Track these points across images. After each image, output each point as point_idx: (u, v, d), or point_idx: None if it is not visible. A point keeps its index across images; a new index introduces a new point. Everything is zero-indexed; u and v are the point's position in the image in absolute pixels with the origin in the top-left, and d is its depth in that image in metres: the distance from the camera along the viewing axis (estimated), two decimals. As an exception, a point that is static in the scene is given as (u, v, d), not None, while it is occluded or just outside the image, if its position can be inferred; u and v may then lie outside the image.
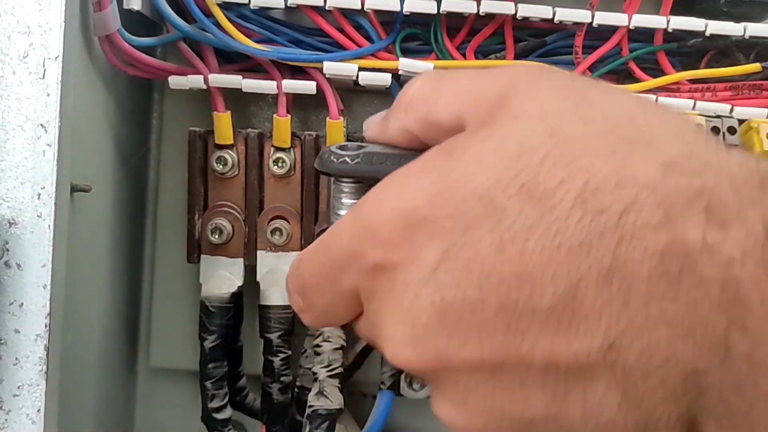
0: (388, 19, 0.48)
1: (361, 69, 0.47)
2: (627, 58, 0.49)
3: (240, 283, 0.50)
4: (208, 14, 0.46)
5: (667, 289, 0.19)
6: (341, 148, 0.28)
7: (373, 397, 0.54)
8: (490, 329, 0.21)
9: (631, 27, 0.48)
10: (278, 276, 0.50)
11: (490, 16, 0.48)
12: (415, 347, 0.22)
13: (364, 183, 0.28)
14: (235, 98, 0.50)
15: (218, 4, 0.46)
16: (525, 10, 0.47)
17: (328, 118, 0.49)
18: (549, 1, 0.47)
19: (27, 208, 0.36)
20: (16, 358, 0.36)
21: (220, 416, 0.51)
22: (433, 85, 0.26)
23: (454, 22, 0.48)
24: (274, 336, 0.50)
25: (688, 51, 0.50)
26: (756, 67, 0.49)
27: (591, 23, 0.47)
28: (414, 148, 0.27)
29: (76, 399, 0.45)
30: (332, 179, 0.29)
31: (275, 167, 0.50)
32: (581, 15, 0.47)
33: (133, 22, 0.45)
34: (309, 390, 0.49)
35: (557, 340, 0.20)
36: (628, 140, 0.21)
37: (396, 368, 0.51)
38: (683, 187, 0.20)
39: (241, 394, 0.54)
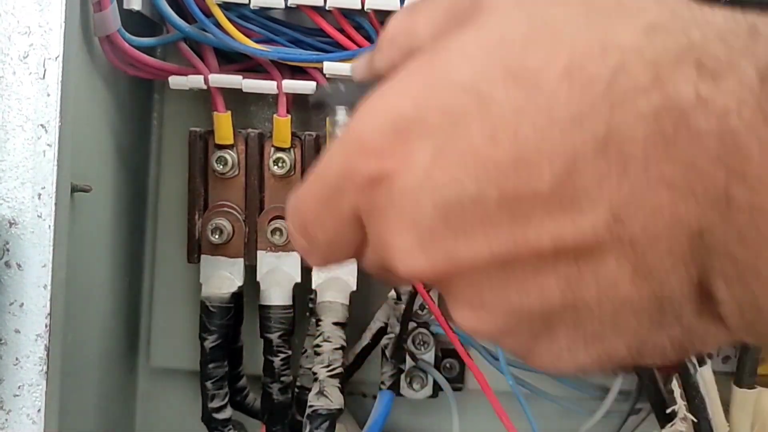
0: (388, 19, 0.48)
1: (361, 69, 0.47)
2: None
3: (240, 283, 0.50)
4: (208, 14, 0.46)
5: (664, 149, 0.19)
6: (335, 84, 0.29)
7: (373, 397, 0.54)
8: (494, 221, 0.20)
9: (631, 27, 0.48)
10: (278, 276, 0.50)
11: (490, 16, 0.48)
12: (424, 253, 0.22)
13: None
14: (235, 98, 0.50)
15: (218, 4, 0.46)
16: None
17: (328, 118, 0.49)
18: None
19: (27, 208, 0.36)
20: (17, 358, 0.36)
21: (220, 416, 0.51)
22: (408, 15, 0.26)
23: (454, 22, 0.48)
24: (274, 336, 0.50)
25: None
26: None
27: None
28: None
29: (76, 399, 0.45)
30: (330, 119, 0.29)
31: (275, 167, 0.50)
32: None
33: (133, 22, 0.46)
34: (309, 390, 0.49)
35: (562, 220, 0.20)
36: (608, 11, 0.20)
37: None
38: (670, 46, 0.19)
39: (242, 394, 0.54)
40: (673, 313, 0.20)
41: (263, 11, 0.48)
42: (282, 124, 0.49)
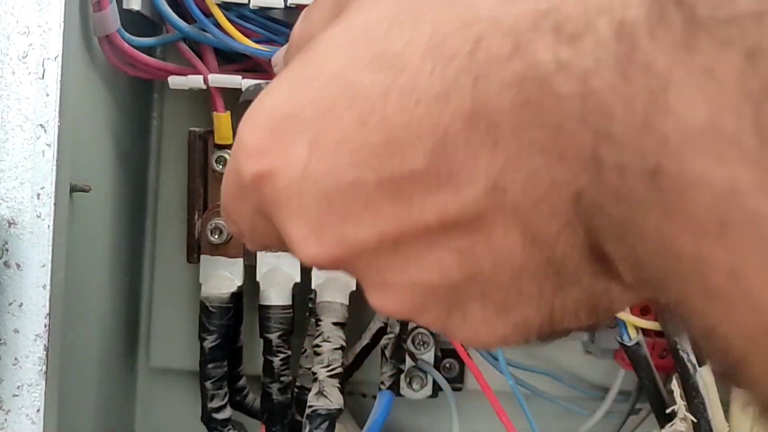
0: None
1: (360, 69, 0.47)
2: (627, 58, 0.49)
3: (240, 283, 0.50)
4: (208, 14, 0.46)
5: (531, 116, 0.19)
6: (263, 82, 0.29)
7: (373, 397, 0.54)
8: (376, 203, 0.21)
9: (631, 27, 0.48)
10: (278, 276, 0.50)
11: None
12: (317, 242, 0.22)
13: None
14: (235, 98, 0.50)
15: (218, 4, 0.46)
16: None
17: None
18: None
19: (26, 208, 0.36)
20: (16, 358, 0.36)
21: (220, 416, 0.51)
22: (306, 18, 0.26)
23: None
24: (273, 336, 0.50)
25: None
26: (756, 67, 0.49)
27: (591, 23, 0.47)
28: None
29: (75, 399, 0.45)
30: None
31: (275, 167, 0.50)
32: None
33: (133, 22, 0.45)
34: (309, 390, 0.49)
35: (443, 195, 0.20)
36: None
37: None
38: (528, 11, 0.19)
39: (241, 394, 0.54)
40: (570, 275, 0.21)
41: (263, 11, 0.48)
42: (282, 124, 0.49)
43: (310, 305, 0.51)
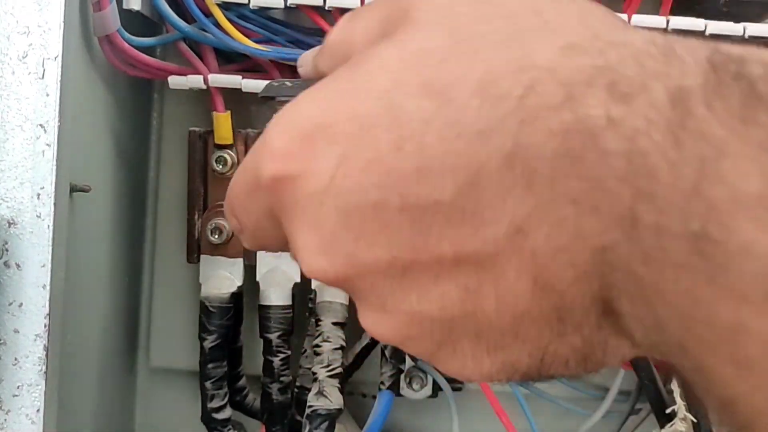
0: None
1: (360, 69, 0.47)
2: (627, 58, 0.49)
3: (240, 283, 0.50)
4: (208, 14, 0.46)
5: (570, 167, 0.19)
6: (286, 80, 0.30)
7: (373, 397, 0.54)
8: (395, 227, 0.21)
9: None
10: (278, 276, 0.50)
11: (489, 16, 0.47)
12: (325, 255, 0.22)
13: None
14: (235, 98, 0.50)
15: (218, 4, 0.46)
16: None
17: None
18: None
19: (26, 208, 0.36)
20: (16, 358, 0.36)
21: (220, 416, 0.51)
22: (347, 25, 0.26)
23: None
24: (273, 336, 0.50)
25: (688, 51, 0.50)
26: (756, 67, 0.49)
27: (591, 23, 0.47)
28: None
29: (75, 399, 0.45)
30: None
31: (275, 167, 0.50)
32: None
33: (133, 22, 0.45)
34: (309, 390, 0.49)
35: (463, 230, 0.20)
36: (530, 30, 0.20)
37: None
38: (585, 67, 0.19)
39: (241, 394, 0.54)
40: (573, 324, 0.20)
41: (263, 11, 0.48)
42: (282, 124, 0.49)
43: (310, 305, 0.51)
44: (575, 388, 0.56)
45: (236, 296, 0.51)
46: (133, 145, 0.53)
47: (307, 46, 0.48)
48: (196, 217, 0.50)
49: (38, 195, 0.36)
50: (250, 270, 0.51)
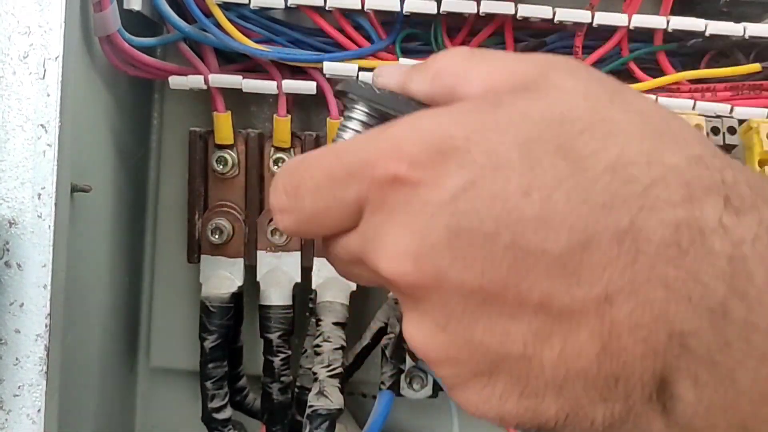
0: (388, 19, 0.48)
1: (361, 69, 0.47)
2: (627, 59, 0.49)
3: (240, 283, 0.50)
4: (208, 14, 0.46)
5: (674, 256, 0.21)
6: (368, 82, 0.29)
7: (373, 397, 0.54)
8: (496, 260, 0.22)
9: (631, 27, 0.48)
10: (278, 276, 0.50)
11: (490, 17, 0.48)
12: (416, 261, 0.23)
13: (377, 118, 0.28)
14: (235, 98, 0.50)
15: (218, 5, 0.46)
16: (525, 11, 0.47)
17: (328, 118, 0.49)
18: (549, 1, 0.47)
19: (27, 208, 0.36)
20: (17, 358, 0.36)
21: (220, 416, 0.51)
22: (465, 61, 0.26)
23: (454, 22, 0.48)
24: (274, 336, 0.50)
25: (688, 51, 0.50)
26: (756, 67, 0.49)
27: (591, 23, 0.48)
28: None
29: (76, 399, 0.45)
30: (347, 107, 0.29)
31: (275, 167, 0.50)
32: (581, 15, 0.47)
33: (133, 22, 0.46)
34: (309, 390, 0.49)
35: (558, 283, 0.21)
36: (661, 133, 0.22)
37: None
38: (706, 177, 0.21)
39: (241, 394, 0.54)
40: (624, 392, 0.22)
41: (263, 11, 0.48)
42: (282, 124, 0.49)
43: (310, 305, 0.51)
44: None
45: (236, 296, 0.51)
46: (134, 145, 0.53)
47: (307, 46, 0.48)
48: (197, 217, 0.50)
49: (39, 195, 0.36)
50: (250, 270, 0.51)
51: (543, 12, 0.47)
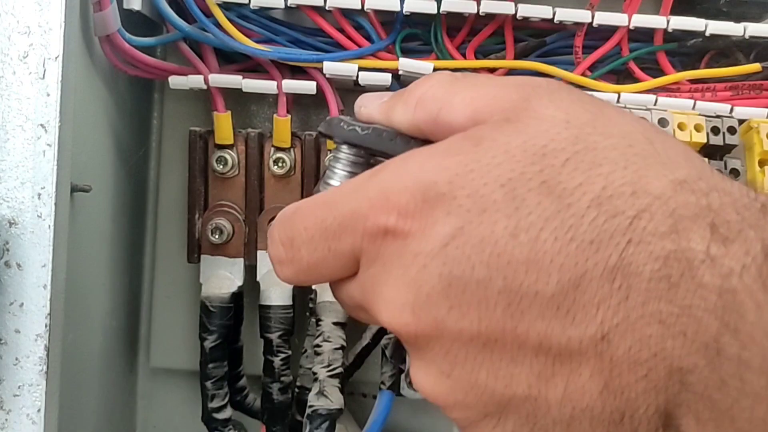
0: (388, 19, 0.48)
1: (361, 69, 0.47)
2: (627, 58, 0.49)
3: (240, 283, 0.50)
4: (208, 14, 0.46)
5: (665, 291, 0.20)
6: (350, 119, 0.29)
7: (373, 397, 0.54)
8: (491, 305, 0.22)
9: (631, 27, 0.48)
10: (278, 276, 0.50)
11: (490, 16, 0.48)
12: (414, 313, 0.23)
13: (363, 159, 0.28)
14: (235, 98, 0.50)
15: (218, 4, 0.46)
16: (525, 10, 0.47)
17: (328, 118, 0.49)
18: (549, 1, 0.47)
19: (27, 208, 0.36)
20: (17, 358, 0.36)
21: (220, 416, 0.51)
22: (448, 86, 0.26)
23: (454, 22, 0.48)
24: (274, 336, 0.50)
25: (688, 51, 0.50)
26: (756, 67, 0.49)
27: (591, 23, 0.48)
28: (417, 138, 0.27)
29: (76, 399, 0.45)
30: (332, 152, 0.29)
31: (275, 167, 0.50)
32: (581, 15, 0.47)
33: (133, 22, 0.45)
34: (309, 390, 0.49)
35: (554, 324, 0.21)
36: (645, 157, 0.22)
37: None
38: (692, 204, 0.21)
39: (242, 394, 0.54)
40: (630, 427, 0.22)
41: (263, 11, 0.48)
42: (282, 124, 0.49)
43: (310, 305, 0.51)
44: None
45: (237, 296, 0.51)
46: (134, 145, 0.53)
47: (307, 46, 0.48)
48: (197, 216, 0.50)
49: (39, 195, 0.36)
50: (250, 270, 0.51)
51: (543, 12, 0.47)
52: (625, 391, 0.21)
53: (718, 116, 0.48)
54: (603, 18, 0.47)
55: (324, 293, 0.50)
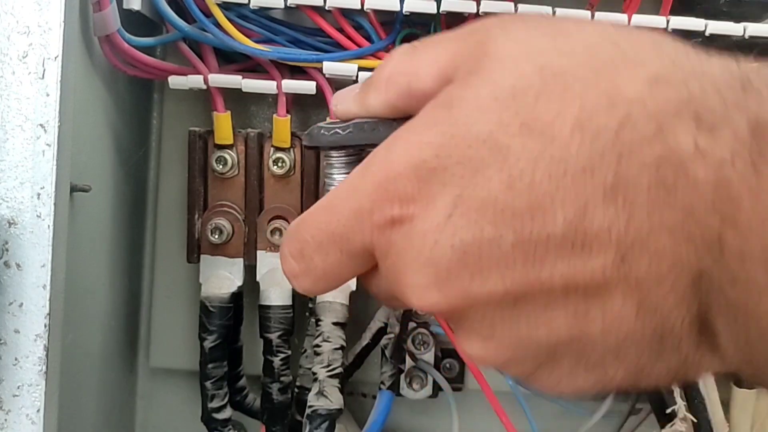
0: (388, 19, 0.48)
1: (361, 69, 0.47)
2: (627, 58, 0.49)
3: (240, 283, 0.50)
4: (208, 14, 0.46)
5: (665, 197, 0.20)
6: (328, 123, 0.29)
7: (373, 397, 0.54)
8: (509, 262, 0.22)
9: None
10: (278, 276, 0.50)
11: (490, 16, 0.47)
12: (440, 290, 0.23)
13: (355, 156, 0.28)
14: (235, 98, 0.50)
15: (218, 4, 0.46)
16: (525, 10, 0.47)
17: (328, 118, 0.49)
18: (549, 1, 0.47)
19: (27, 208, 0.36)
20: (16, 358, 0.36)
21: (220, 416, 0.51)
22: (410, 57, 0.26)
23: (453, 22, 0.48)
24: (274, 336, 0.50)
25: (688, 51, 0.50)
26: (756, 67, 0.49)
27: (591, 23, 0.48)
28: (398, 117, 0.27)
29: (76, 399, 0.45)
30: (323, 156, 0.30)
31: (275, 167, 0.50)
32: (581, 15, 0.47)
33: (133, 22, 0.45)
34: (309, 390, 0.49)
35: (573, 261, 0.21)
36: (613, 62, 0.22)
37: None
38: (671, 98, 0.21)
39: (241, 394, 0.54)
40: (673, 344, 0.22)
41: (263, 11, 0.48)
42: (282, 124, 0.49)
43: (310, 305, 0.51)
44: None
45: (236, 296, 0.51)
46: (133, 145, 0.53)
47: (307, 46, 0.48)
48: (197, 217, 0.50)
49: (38, 195, 0.36)
50: (250, 270, 0.51)
51: (543, 12, 0.47)
52: (658, 308, 0.21)
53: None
54: (603, 18, 0.47)
55: (324, 293, 0.50)
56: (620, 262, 0.21)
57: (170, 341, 0.56)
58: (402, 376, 0.53)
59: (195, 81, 0.48)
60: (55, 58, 0.37)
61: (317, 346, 0.49)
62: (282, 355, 0.50)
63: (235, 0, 0.46)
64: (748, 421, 0.49)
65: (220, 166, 0.50)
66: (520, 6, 0.47)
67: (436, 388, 0.54)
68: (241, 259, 0.50)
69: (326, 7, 0.46)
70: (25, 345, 0.36)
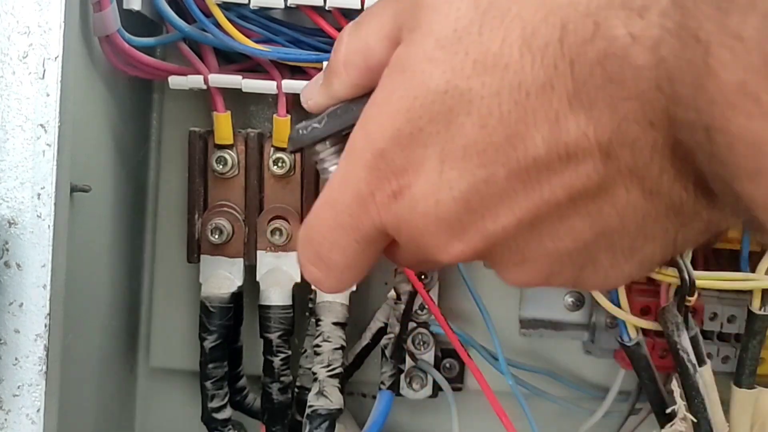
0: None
1: (360, 69, 0.47)
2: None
3: (240, 283, 0.50)
4: (208, 14, 0.46)
5: (619, 90, 0.21)
6: (304, 121, 0.29)
7: (372, 397, 0.54)
8: (510, 193, 0.23)
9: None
10: (278, 276, 0.50)
11: (489, 16, 0.47)
12: (461, 241, 0.24)
13: (340, 144, 0.29)
14: (235, 98, 0.50)
15: (218, 4, 0.46)
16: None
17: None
18: None
19: (27, 208, 0.36)
20: (16, 358, 0.36)
21: (220, 416, 0.51)
22: (357, 33, 0.27)
23: (453, 22, 0.48)
24: (274, 336, 0.50)
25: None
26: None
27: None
28: (367, 93, 0.28)
29: (76, 399, 0.45)
30: (311, 154, 0.30)
31: (275, 167, 0.50)
32: None
33: (133, 22, 0.45)
34: (309, 390, 0.49)
35: (566, 173, 0.22)
36: None
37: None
38: None
39: (241, 394, 0.54)
40: (689, 213, 0.23)
41: (263, 11, 0.48)
42: (282, 124, 0.49)
43: (310, 305, 0.51)
44: (575, 388, 0.56)
45: (236, 296, 0.51)
46: (133, 145, 0.53)
47: (307, 46, 0.48)
48: (197, 217, 0.50)
49: (39, 195, 0.36)
50: (250, 270, 0.51)
51: None
52: (660, 188, 0.22)
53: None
54: None
55: (324, 293, 0.50)
56: (607, 159, 0.22)
57: (170, 341, 0.56)
58: (402, 376, 0.53)
59: (195, 81, 0.48)
60: (56, 58, 0.37)
61: (317, 346, 0.49)
62: (282, 355, 0.50)
63: (235, 0, 0.46)
64: (748, 421, 0.49)
65: (220, 166, 0.50)
66: None
67: (436, 388, 0.54)
68: (241, 259, 0.50)
69: (326, 7, 0.46)
70: (25, 345, 0.36)
